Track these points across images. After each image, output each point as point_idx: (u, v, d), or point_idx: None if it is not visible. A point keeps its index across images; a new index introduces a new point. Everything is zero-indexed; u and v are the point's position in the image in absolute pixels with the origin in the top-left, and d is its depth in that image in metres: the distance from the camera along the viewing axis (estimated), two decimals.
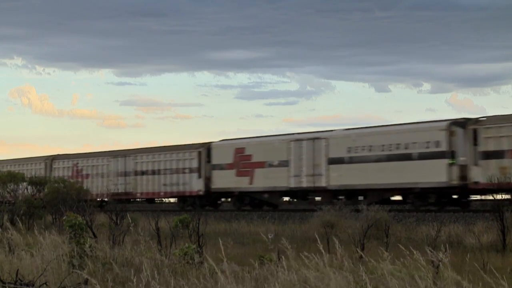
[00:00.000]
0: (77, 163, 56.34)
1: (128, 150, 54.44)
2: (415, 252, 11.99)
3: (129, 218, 20.69)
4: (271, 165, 43.86)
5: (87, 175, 55.06)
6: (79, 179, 52.47)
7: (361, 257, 13.76)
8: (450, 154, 35.75)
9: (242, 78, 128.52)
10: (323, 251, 12.37)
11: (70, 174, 55.37)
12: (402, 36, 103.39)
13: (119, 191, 52.04)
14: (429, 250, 11.93)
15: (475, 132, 35.10)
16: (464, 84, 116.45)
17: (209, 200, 47.70)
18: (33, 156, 61.69)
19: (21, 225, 22.27)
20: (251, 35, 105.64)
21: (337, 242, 13.37)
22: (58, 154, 59.70)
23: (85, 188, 49.83)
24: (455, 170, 35.54)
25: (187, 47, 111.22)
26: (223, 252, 12.82)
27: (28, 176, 56.37)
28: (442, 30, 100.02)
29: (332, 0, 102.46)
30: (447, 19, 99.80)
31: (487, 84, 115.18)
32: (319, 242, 12.99)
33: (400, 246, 13.23)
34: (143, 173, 51.20)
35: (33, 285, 12.61)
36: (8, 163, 60.93)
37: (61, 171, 56.72)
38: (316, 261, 12.08)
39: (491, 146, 34.25)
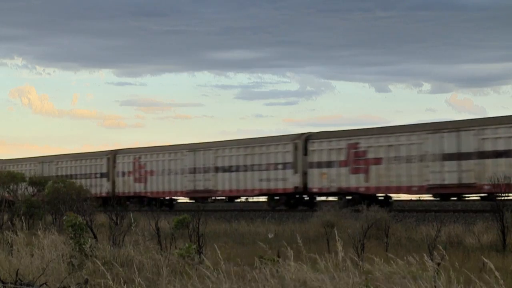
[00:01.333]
0: (357, 143, 39.62)
1: (460, 121, 37.25)
2: (417, 256, 11.98)
3: (132, 218, 20.68)
4: None
5: (377, 160, 38.63)
6: (361, 165, 39.09)
7: (361, 257, 13.76)
8: None
9: (242, 78, 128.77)
10: (314, 257, 12.37)
11: (343, 158, 40.16)
12: (402, 36, 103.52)
13: (446, 182, 36.18)
14: (437, 249, 11.94)
15: None
16: (464, 84, 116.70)
17: None
18: (279, 135, 45.68)
19: (21, 225, 22.28)
20: (251, 35, 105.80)
21: (338, 244, 13.36)
22: (312, 133, 43.26)
23: (371, 177, 38.42)
24: None
25: (187, 47, 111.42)
26: (220, 253, 12.82)
27: (271, 162, 42.80)
28: (442, 30, 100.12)
29: (333, 0, 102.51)
30: (448, 19, 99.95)
31: (487, 84, 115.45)
32: (317, 242, 12.99)
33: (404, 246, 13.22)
34: (498, 154, 33.67)
35: (33, 285, 12.60)
36: (247, 144, 46.03)
37: (324, 154, 41.09)
38: (316, 262, 12.07)
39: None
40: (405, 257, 12.22)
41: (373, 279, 11.20)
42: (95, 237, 17.53)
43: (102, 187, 53.86)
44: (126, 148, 54.49)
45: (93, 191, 51.02)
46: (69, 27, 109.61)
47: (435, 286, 10.43)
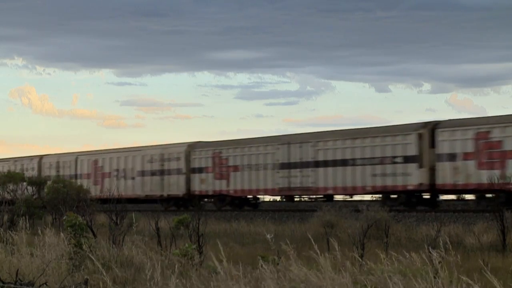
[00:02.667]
0: None
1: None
2: (419, 254, 11.98)
3: (134, 218, 20.68)
4: None
5: None
6: None
7: (361, 257, 13.75)
8: None
9: (242, 78, 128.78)
10: (318, 252, 12.37)
11: None
12: (402, 36, 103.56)
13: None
14: (438, 250, 11.92)
15: None
16: (464, 84, 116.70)
17: None
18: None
19: (21, 225, 22.26)
20: (252, 35, 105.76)
21: (337, 243, 13.36)
22: None
23: None
24: None
25: (187, 47, 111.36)
26: (222, 253, 12.82)
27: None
28: (443, 30, 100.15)
29: (333, 0, 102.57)
30: (448, 19, 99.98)
31: (487, 84, 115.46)
32: (317, 242, 12.99)
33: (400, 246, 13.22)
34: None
35: (33, 285, 12.61)
36: None
37: None
38: (316, 262, 12.07)
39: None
40: (405, 257, 12.22)
41: (372, 279, 11.20)
42: (95, 237, 17.53)
43: (407, 177, 37.16)
44: (457, 119, 36.84)
45: (388, 182, 37.75)
46: (69, 27, 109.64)
47: (435, 286, 10.43)
